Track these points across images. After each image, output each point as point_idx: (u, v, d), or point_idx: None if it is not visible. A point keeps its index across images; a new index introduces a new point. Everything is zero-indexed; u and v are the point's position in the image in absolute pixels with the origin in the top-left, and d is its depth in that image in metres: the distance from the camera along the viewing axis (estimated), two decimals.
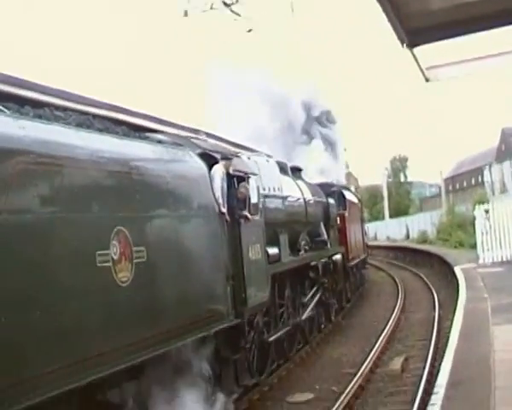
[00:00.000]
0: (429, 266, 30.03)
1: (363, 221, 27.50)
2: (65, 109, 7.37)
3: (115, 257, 6.02)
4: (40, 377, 5.09)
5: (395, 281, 26.52)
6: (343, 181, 36.24)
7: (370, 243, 49.72)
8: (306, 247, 14.52)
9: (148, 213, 6.77)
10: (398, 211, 68.04)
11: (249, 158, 10.96)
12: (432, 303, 18.84)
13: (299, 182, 15.56)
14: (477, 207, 23.25)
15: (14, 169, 4.97)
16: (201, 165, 8.31)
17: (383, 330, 15.48)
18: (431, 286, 22.69)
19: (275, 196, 12.16)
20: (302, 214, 14.60)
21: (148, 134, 7.90)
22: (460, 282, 17.28)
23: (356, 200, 25.22)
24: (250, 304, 9.37)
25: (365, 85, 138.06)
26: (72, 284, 5.48)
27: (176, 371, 7.43)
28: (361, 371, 11.47)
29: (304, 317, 13.44)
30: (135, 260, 6.34)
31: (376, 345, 13.65)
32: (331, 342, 15.31)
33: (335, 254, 17.28)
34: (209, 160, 8.63)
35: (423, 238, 41.38)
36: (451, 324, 11.85)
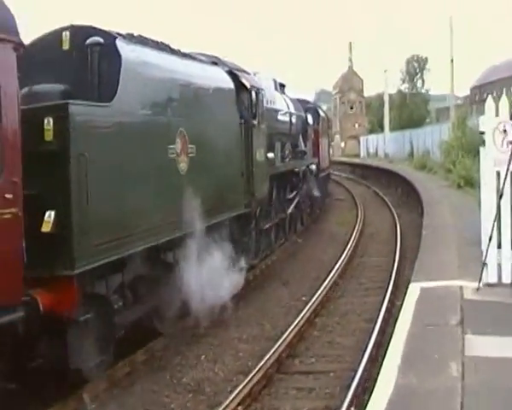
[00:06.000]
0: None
1: (329, 137, 29.73)
2: None
3: (178, 151, 7.95)
4: (133, 235, 7.07)
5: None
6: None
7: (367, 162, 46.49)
8: (290, 155, 16.54)
9: (198, 119, 8.66)
10: (411, 123, 51.99)
11: (255, 74, 12.79)
12: None
13: (285, 97, 17.39)
14: (487, 115, 8.06)
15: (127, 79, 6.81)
16: (230, 81, 10.17)
17: None
18: None
19: (272, 110, 14.07)
20: (288, 126, 16.54)
21: (192, 54, 9.62)
22: None
23: (325, 117, 27.19)
24: (256, 197, 11.44)
25: None
26: (155, 170, 7.41)
27: (208, 243, 9.48)
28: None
29: (289, 211, 15.64)
30: (189, 155, 8.27)
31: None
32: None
33: (312, 164, 19.41)
34: (233, 76, 10.47)
35: (423, 162, 30.47)
36: None
